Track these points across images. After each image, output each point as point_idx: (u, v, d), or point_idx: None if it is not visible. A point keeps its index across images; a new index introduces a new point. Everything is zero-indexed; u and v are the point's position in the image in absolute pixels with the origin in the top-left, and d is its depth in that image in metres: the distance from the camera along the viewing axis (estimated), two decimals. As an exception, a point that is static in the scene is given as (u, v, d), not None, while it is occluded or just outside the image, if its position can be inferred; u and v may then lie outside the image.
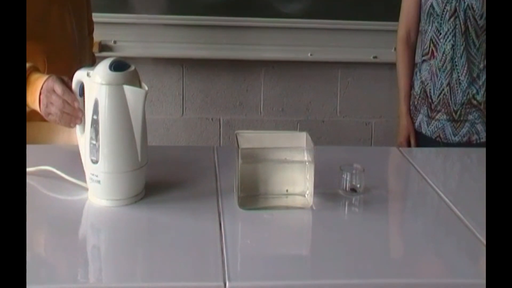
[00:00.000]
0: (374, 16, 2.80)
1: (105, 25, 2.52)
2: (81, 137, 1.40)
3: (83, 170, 1.38)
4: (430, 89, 2.19)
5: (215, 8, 2.78)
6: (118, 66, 1.32)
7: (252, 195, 1.37)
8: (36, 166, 1.47)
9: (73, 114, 1.42)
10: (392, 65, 2.39)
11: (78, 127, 1.43)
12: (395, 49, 2.35)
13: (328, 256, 1.21)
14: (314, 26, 2.83)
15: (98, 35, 2.29)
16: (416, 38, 2.28)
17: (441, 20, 2.12)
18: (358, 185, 1.45)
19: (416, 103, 2.25)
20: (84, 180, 1.39)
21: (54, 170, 1.47)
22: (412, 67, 2.28)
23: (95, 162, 1.34)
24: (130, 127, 1.32)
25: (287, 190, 1.38)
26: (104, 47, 2.77)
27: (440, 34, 2.14)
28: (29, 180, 1.38)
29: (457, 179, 1.75)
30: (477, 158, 1.78)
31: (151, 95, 2.72)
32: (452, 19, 2.10)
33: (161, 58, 2.88)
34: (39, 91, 1.48)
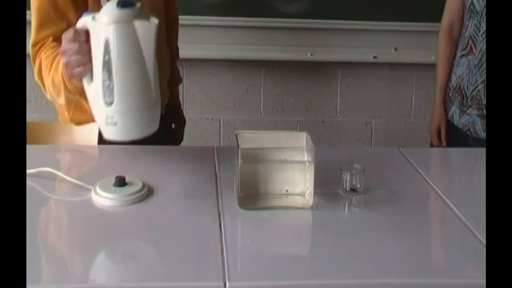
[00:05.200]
0: (374, 16, 2.80)
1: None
2: (90, 87, 1.38)
3: (84, 170, 1.38)
4: (464, 84, 2.18)
5: (215, 8, 2.78)
6: (125, 3, 1.32)
7: (252, 195, 1.37)
8: (37, 167, 1.47)
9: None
10: (392, 65, 2.39)
11: (85, 79, 1.39)
12: (395, 49, 2.34)
13: (328, 256, 1.21)
14: (314, 26, 2.83)
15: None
16: (459, 31, 2.23)
17: (480, 17, 2.10)
18: (358, 185, 1.45)
19: (450, 94, 2.24)
20: (85, 181, 1.39)
21: (55, 171, 1.46)
22: (452, 59, 2.25)
23: (109, 103, 1.32)
24: (143, 63, 1.31)
25: (287, 190, 1.38)
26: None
27: (479, 31, 2.11)
28: (29, 182, 1.38)
29: (457, 179, 1.75)
30: (477, 158, 1.78)
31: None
32: None
33: (161, 58, 2.88)
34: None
